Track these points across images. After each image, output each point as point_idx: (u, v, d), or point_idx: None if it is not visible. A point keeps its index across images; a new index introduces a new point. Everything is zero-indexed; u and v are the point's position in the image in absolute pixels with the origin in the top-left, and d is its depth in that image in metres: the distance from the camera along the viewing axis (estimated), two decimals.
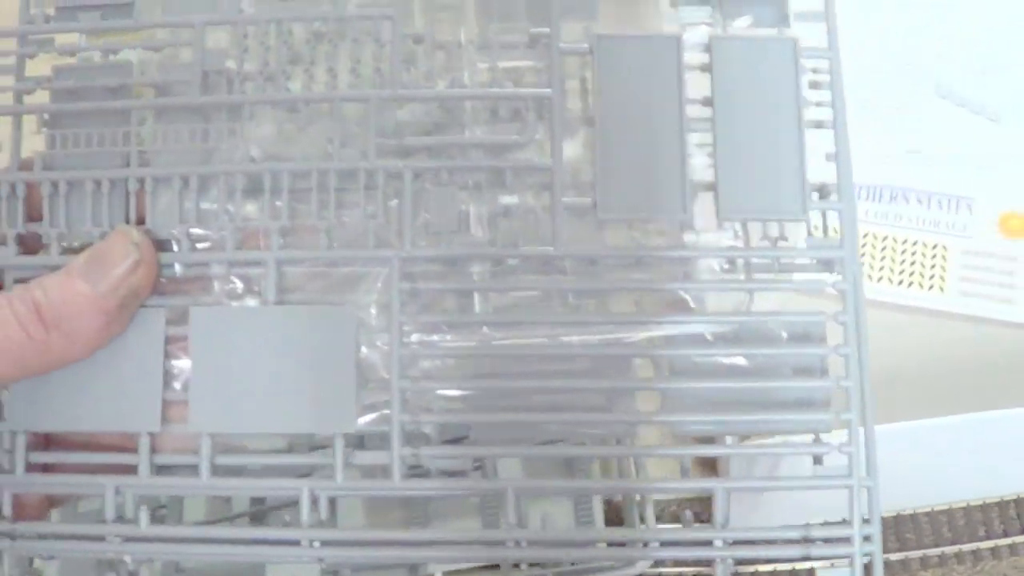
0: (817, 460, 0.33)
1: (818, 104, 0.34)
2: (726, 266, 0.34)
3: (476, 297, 0.34)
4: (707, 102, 0.34)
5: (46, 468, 0.35)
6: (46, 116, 0.35)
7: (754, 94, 0.33)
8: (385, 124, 0.34)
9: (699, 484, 0.33)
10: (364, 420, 0.33)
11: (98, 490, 0.34)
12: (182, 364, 0.34)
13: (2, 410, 0.35)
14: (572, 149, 0.34)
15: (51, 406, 0.34)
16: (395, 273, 0.33)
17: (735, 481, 0.33)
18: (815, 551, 0.32)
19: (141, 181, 0.34)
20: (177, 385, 0.34)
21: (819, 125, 0.34)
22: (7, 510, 0.34)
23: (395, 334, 0.33)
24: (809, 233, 0.33)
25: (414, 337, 0.34)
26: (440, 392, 0.33)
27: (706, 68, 0.34)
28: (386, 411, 0.33)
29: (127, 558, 0.34)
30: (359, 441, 0.34)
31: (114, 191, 0.35)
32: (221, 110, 0.34)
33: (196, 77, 0.34)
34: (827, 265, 0.34)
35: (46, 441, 0.36)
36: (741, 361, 0.33)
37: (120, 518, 0.34)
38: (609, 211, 0.33)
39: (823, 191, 0.34)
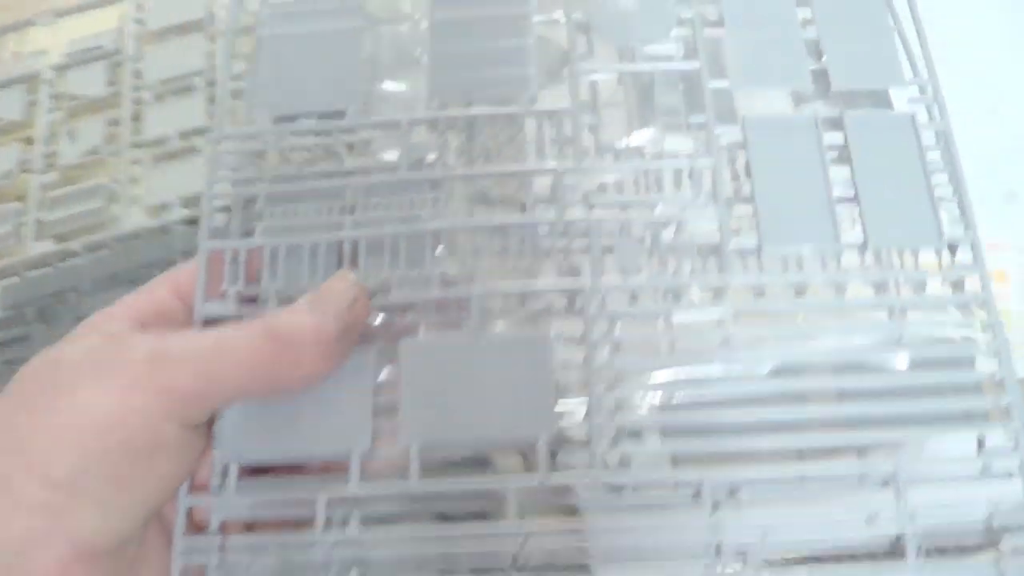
0: (981, 443, 0.36)
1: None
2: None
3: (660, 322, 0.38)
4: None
5: None
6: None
7: (882, 150, 0.40)
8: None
9: (879, 467, 0.35)
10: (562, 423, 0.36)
11: (310, 498, 0.36)
12: (387, 400, 0.37)
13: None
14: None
15: (263, 438, 0.37)
16: (590, 299, 0.38)
17: (917, 465, 0.35)
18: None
19: (354, 244, 0.40)
20: (382, 419, 0.37)
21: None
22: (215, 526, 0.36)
23: (589, 349, 0.37)
24: (940, 265, 0.39)
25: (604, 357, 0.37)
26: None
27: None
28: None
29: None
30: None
31: (329, 254, 0.39)
32: (424, 186, 0.40)
33: (403, 164, 0.40)
34: (960, 286, 0.39)
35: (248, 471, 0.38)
36: (900, 367, 0.37)
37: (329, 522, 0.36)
38: (771, 243, 0.38)
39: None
